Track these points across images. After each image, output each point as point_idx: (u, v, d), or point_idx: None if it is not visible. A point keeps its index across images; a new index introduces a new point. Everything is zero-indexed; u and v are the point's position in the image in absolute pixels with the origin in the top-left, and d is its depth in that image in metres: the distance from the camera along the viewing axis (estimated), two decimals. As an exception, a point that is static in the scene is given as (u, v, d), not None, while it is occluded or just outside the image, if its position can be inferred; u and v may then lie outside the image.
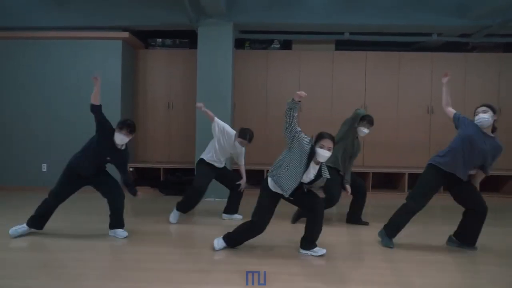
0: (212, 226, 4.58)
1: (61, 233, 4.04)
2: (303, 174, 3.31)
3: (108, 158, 3.79)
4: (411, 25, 5.96)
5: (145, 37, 6.97)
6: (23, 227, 3.86)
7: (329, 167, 3.70)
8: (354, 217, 4.67)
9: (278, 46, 6.98)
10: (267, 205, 3.48)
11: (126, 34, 6.22)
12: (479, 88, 6.78)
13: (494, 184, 6.67)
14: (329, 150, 3.28)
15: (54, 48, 6.37)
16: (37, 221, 3.87)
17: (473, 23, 5.80)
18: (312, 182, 3.37)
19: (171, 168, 6.70)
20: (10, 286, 2.76)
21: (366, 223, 4.64)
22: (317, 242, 3.56)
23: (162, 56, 6.96)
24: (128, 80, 6.67)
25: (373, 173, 6.56)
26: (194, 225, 4.63)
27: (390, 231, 3.82)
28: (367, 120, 4.47)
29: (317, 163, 3.35)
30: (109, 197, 3.90)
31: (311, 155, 3.28)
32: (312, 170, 3.34)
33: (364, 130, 4.48)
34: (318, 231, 3.53)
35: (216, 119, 4.59)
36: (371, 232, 4.21)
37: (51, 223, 4.01)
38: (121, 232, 3.94)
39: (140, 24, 6.14)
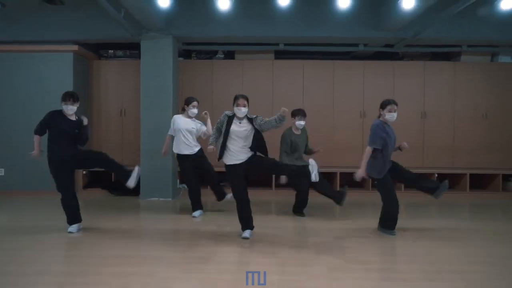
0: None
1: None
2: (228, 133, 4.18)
3: (68, 130, 4.29)
4: (335, 37, 6.54)
5: (98, 49, 7.47)
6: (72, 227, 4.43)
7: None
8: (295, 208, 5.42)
9: (222, 56, 7.53)
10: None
11: (75, 47, 6.71)
12: (406, 94, 7.38)
13: (482, 182, 7.31)
14: (244, 106, 4.14)
15: (5, 61, 6.81)
16: (73, 217, 4.44)
17: (390, 35, 6.41)
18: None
19: (122, 171, 7.18)
20: None
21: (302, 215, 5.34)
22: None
23: (114, 66, 7.46)
24: (81, 89, 7.13)
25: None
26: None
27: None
28: (300, 113, 5.29)
29: (240, 119, 4.18)
30: (98, 163, 4.52)
31: (230, 120, 4.20)
32: (239, 125, 4.16)
33: (300, 123, 5.28)
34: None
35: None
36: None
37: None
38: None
39: (86, 38, 6.64)
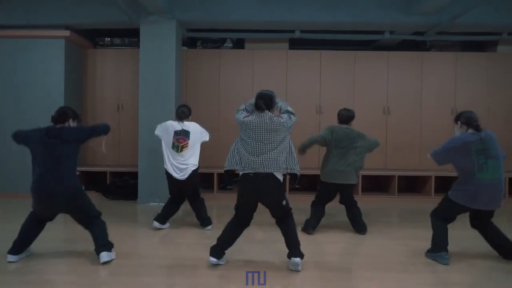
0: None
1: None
2: None
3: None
4: (360, 22, 5.81)
5: (93, 36, 6.75)
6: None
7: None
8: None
9: (231, 45, 6.80)
10: None
11: (67, 33, 5.99)
12: (435, 87, 6.65)
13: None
14: None
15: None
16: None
17: (422, 20, 5.66)
18: None
19: (119, 172, 6.47)
20: None
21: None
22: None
23: (111, 55, 6.74)
24: (73, 81, 6.43)
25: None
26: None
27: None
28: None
29: None
30: None
31: None
32: None
33: None
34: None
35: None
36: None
37: None
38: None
39: (79, 22, 5.93)
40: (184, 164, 4.23)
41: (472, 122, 3.40)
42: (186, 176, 4.22)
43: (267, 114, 3.13)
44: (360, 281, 3.09)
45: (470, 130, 3.39)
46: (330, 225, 4.62)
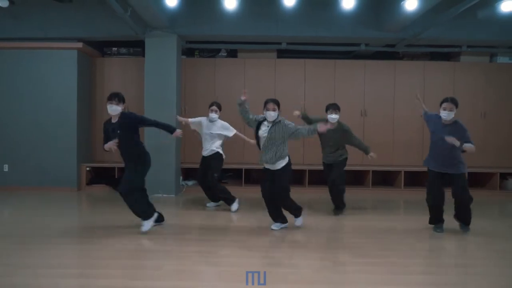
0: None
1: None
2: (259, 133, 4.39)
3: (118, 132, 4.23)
4: (338, 37, 6.64)
5: (102, 46, 7.52)
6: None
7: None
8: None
9: (225, 54, 7.60)
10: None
11: (80, 45, 6.75)
12: (407, 92, 7.49)
13: (479, 181, 7.37)
14: (273, 110, 4.31)
15: (9, 58, 6.83)
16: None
17: (390, 35, 6.51)
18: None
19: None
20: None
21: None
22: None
23: (117, 63, 7.51)
24: (84, 86, 7.21)
25: (309, 170, 7.21)
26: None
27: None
28: (331, 107, 5.25)
29: (269, 122, 4.34)
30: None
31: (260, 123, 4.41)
32: (265, 127, 4.36)
33: (332, 116, 5.22)
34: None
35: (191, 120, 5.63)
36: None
37: None
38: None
39: (91, 36, 6.68)
40: None
41: None
42: None
43: None
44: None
45: None
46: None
